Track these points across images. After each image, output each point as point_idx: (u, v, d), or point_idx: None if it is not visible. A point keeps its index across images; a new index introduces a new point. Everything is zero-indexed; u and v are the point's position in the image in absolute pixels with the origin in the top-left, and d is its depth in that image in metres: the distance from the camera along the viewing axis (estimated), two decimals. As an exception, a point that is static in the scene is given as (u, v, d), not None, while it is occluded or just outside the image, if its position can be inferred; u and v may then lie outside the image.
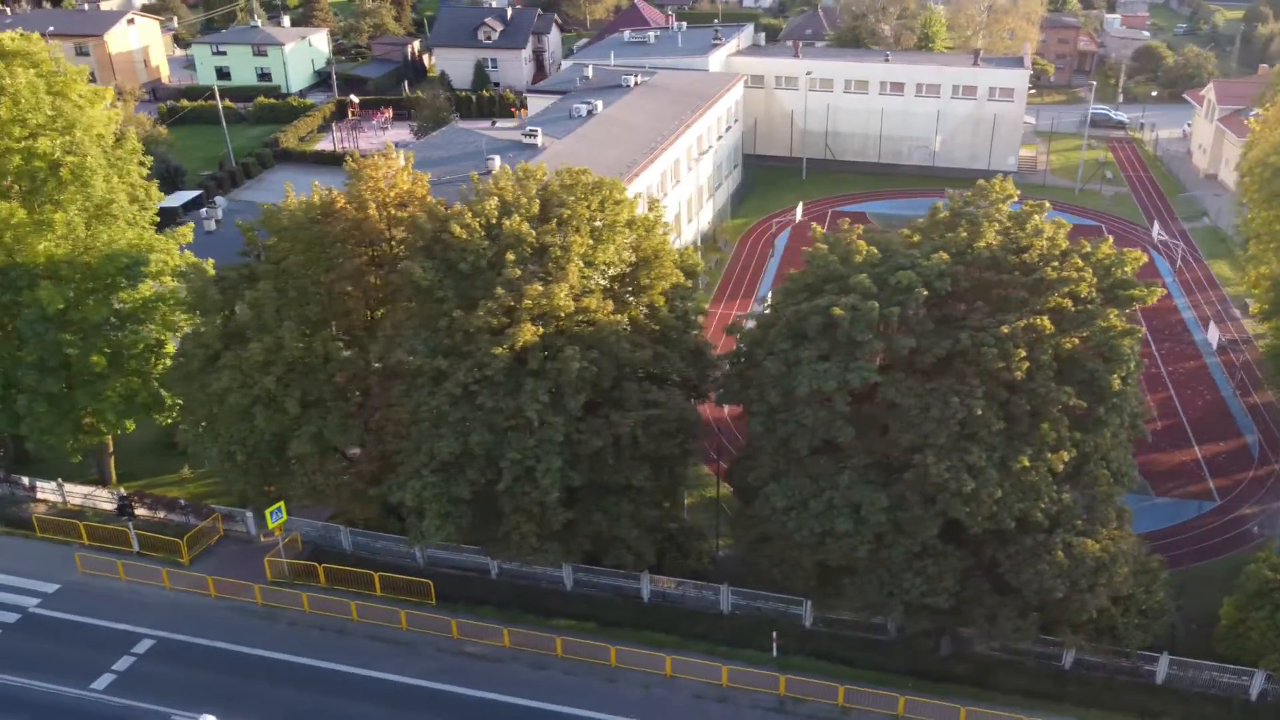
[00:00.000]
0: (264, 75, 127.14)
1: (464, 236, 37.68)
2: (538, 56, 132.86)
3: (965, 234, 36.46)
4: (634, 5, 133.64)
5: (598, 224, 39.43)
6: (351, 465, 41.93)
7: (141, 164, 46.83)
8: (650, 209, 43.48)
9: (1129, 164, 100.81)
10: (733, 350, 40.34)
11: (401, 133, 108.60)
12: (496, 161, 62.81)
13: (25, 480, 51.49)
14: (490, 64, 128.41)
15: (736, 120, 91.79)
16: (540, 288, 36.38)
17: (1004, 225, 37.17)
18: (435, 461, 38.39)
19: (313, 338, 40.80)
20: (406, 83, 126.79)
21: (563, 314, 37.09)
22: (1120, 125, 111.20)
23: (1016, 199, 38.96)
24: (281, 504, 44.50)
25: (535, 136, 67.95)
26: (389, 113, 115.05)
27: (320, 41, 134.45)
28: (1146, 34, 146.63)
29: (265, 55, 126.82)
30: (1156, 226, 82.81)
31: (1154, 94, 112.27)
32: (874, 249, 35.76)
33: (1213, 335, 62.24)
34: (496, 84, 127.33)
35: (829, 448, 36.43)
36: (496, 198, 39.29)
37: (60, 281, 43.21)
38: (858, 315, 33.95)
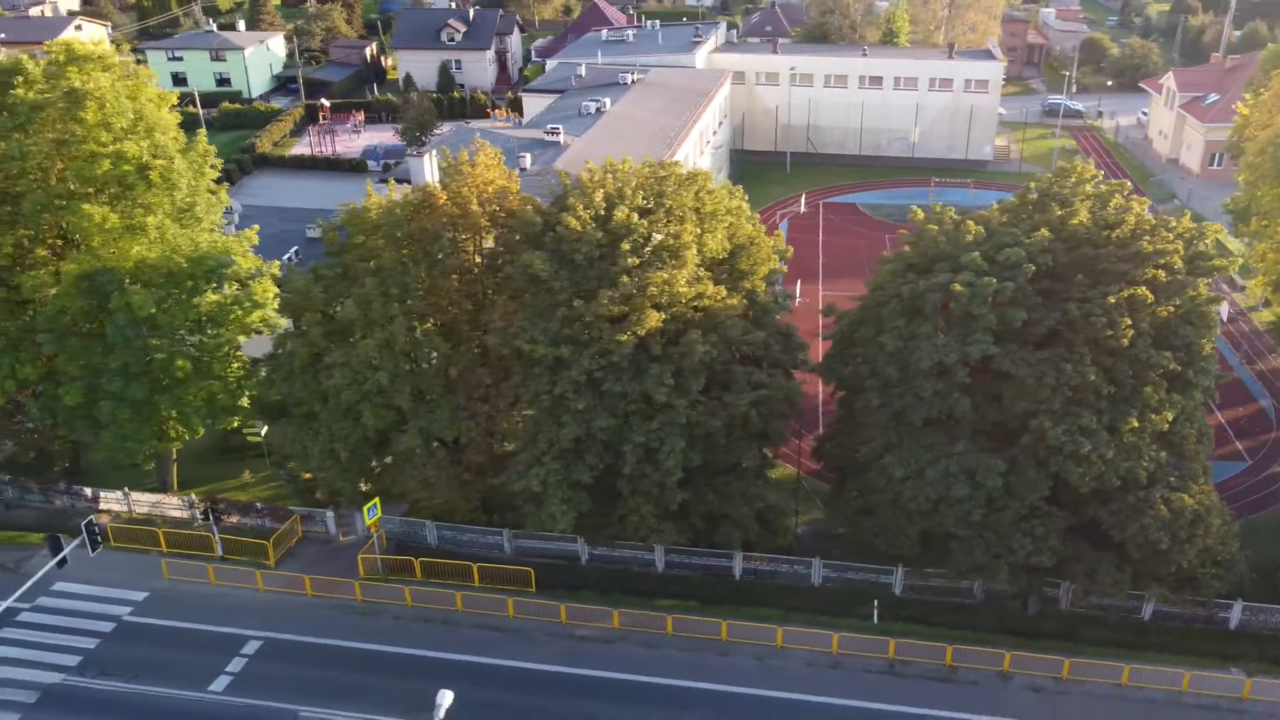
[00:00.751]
0: (223, 80, 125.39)
1: (579, 228, 38.94)
2: (500, 57, 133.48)
3: (1060, 212, 38.93)
4: (595, 5, 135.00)
5: (701, 212, 40.97)
6: (459, 457, 42.75)
7: (213, 167, 46.94)
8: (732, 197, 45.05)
9: (1093, 151, 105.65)
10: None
11: (384, 134, 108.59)
12: (528, 159, 63.94)
13: (87, 491, 51.05)
14: (455, 65, 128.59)
15: (726, 116, 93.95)
16: (665, 275, 37.85)
17: (1090, 204, 39.75)
18: (555, 448, 39.57)
19: (417, 332, 41.56)
20: (375, 85, 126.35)
21: (683, 300, 38.60)
22: (1077, 114, 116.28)
23: (1099, 179, 41.51)
24: (377, 500, 45.12)
25: (558, 134, 69.04)
26: (360, 116, 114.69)
27: (278, 45, 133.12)
28: (1085, 28, 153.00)
29: (224, 60, 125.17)
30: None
31: (1109, 84, 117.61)
32: (981, 228, 38.01)
33: (1223, 310, 66.22)
34: (461, 85, 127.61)
35: (939, 419, 38.54)
36: (602, 190, 40.59)
37: (147, 285, 43.20)
38: (975, 291, 36.15)
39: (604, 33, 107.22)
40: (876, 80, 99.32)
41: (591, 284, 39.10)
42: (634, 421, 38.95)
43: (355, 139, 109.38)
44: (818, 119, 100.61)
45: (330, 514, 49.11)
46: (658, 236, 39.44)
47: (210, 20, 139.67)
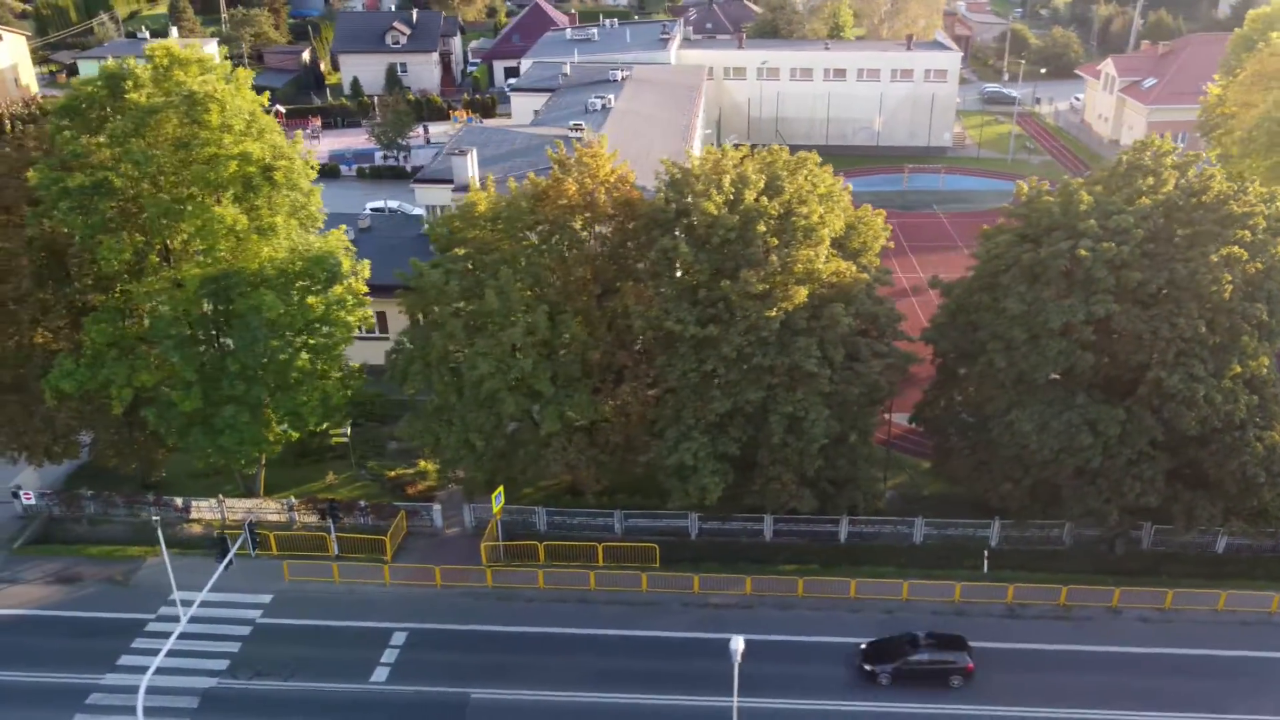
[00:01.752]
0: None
1: (715, 213, 41.16)
2: (444, 59, 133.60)
3: (1151, 181, 42.87)
4: (537, 5, 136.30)
5: (817, 193, 43.63)
6: (595, 439, 44.37)
7: (312, 168, 47.41)
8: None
9: (1038, 135, 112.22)
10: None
11: (346, 139, 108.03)
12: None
13: (178, 501, 50.76)
14: (401, 68, 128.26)
15: (704, 110, 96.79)
16: (809, 253, 40.40)
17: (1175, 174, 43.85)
18: (702, 423, 41.71)
19: (554, 319, 43.10)
20: (322, 91, 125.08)
21: (824, 276, 41.22)
22: (1013, 101, 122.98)
23: (1179, 151, 45.58)
24: (501, 489, 46.38)
25: (581, 130, 70.72)
26: (318, 121, 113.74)
27: (211, 52, 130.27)
28: (1003, 20, 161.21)
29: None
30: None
31: (1043, 71, 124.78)
32: (1091, 199, 41.64)
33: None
34: (408, 88, 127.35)
35: (1059, 376, 42.04)
36: (729, 176, 42.89)
37: (269, 287, 43.56)
38: (1097, 255, 39.74)
39: (568, 32, 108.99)
40: (840, 72, 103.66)
41: (730, 265, 41.34)
42: (779, 393, 41.36)
43: (317, 144, 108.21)
44: (785, 111, 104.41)
45: (437, 508, 50.06)
46: (792, 218, 41.84)
47: (144, 29, 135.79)
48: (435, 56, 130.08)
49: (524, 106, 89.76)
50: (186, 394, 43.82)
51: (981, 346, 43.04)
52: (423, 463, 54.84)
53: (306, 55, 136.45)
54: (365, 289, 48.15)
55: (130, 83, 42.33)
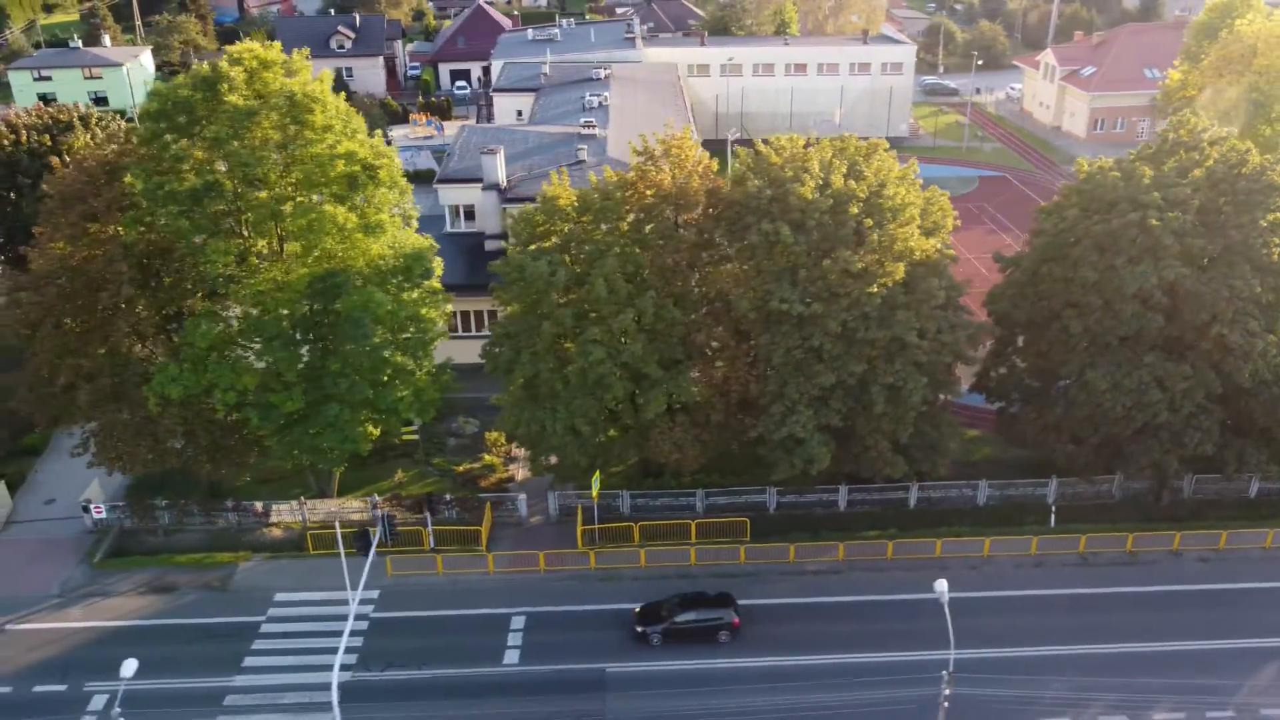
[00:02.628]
0: (99, 99, 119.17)
1: (810, 197, 43.72)
2: (389, 63, 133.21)
3: (1195, 156, 46.97)
4: (480, 8, 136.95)
5: (896, 176, 46.55)
6: (697, 418, 46.39)
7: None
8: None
9: (982, 124, 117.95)
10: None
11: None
12: (585, 151, 67.39)
13: (258, 505, 50.98)
14: (347, 73, 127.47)
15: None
16: (907, 230, 43.30)
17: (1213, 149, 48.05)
18: (806, 397, 44.24)
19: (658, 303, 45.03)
20: None
21: (916, 253, 44.17)
22: (954, 92, 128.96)
23: (1210, 127, 49.78)
24: (598, 474, 48.07)
25: (593, 128, 72.53)
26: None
27: (147, 60, 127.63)
28: (925, 15, 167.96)
29: (100, 78, 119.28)
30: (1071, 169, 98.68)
31: (980, 63, 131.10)
32: (1152, 173, 45.50)
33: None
34: (354, 93, 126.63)
35: (1128, 338, 45.76)
36: (815, 161, 45.50)
37: (372, 284, 44.46)
38: (1165, 224, 43.58)
39: (529, 33, 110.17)
40: (801, 67, 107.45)
41: (825, 245, 43.95)
42: (879, 365, 44.15)
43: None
44: (749, 106, 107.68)
45: (522, 497, 51.44)
46: (878, 199, 44.62)
47: (75, 38, 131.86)
48: (381, 61, 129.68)
49: (507, 107, 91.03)
50: (288, 395, 44.38)
51: (1054, 314, 46.53)
52: (487, 456, 56.08)
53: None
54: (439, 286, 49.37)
55: (226, 86, 42.75)
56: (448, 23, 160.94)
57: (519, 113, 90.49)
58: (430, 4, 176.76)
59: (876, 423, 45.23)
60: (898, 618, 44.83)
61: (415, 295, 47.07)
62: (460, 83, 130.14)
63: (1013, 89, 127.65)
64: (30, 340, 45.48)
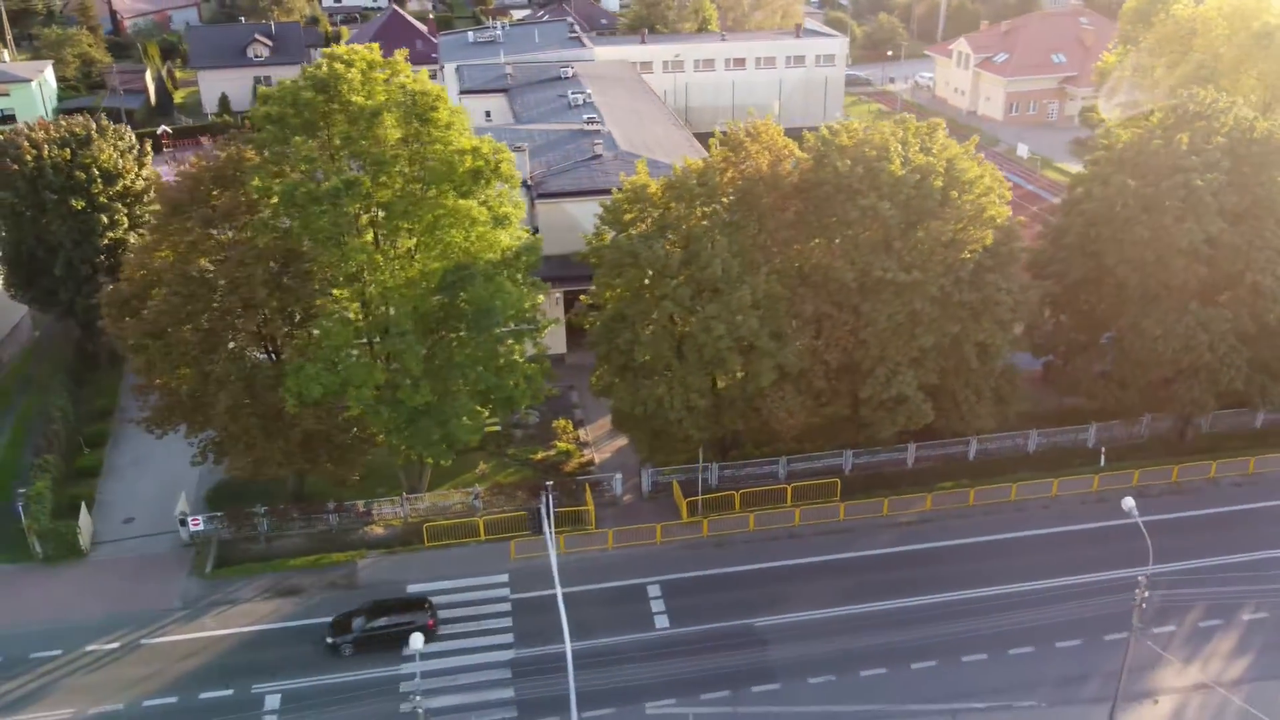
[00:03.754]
0: (5, 117, 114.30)
1: (900, 173, 47.75)
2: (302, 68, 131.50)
3: (1210, 124, 52.97)
4: (395, 13, 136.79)
5: (960, 152, 51.06)
6: (800, 385, 49.75)
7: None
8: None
9: (902, 109, 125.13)
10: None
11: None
12: (600, 145, 70.12)
13: (360, 505, 51.77)
14: (266, 82, 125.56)
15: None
16: (991, 199, 47.86)
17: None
18: (906, 358, 48.30)
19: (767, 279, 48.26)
20: (227, 110, 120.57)
21: (999, 220, 48.77)
22: (866, 82, 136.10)
23: (1218, 99, 55.94)
24: (700, 451, 50.99)
25: (596, 124, 75.04)
26: (209, 140, 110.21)
27: (50, 76, 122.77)
28: (820, 9, 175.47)
29: (8, 94, 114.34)
30: (1023, 147, 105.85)
31: (890, 53, 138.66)
32: (1186, 138, 51.24)
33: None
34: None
35: (1173, 287, 51.45)
36: (893, 142, 49.56)
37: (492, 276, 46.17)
38: (1207, 185, 49.38)
39: (469, 35, 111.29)
40: (740, 61, 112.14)
41: (913, 217, 48.06)
42: (968, 324, 48.55)
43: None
44: (692, 100, 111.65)
45: (618, 477, 53.83)
46: (954, 172, 48.98)
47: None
48: (300, 69, 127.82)
49: (474, 108, 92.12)
50: (415, 389, 45.68)
51: (1108, 270, 51.86)
52: (558, 444, 58.11)
53: (150, 75, 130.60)
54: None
55: (345, 86, 43.85)
56: (346, 31, 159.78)
57: (487, 114, 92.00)
58: (323, 10, 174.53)
59: (968, 378, 49.62)
60: (1000, 556, 49.29)
61: (525, 284, 48.93)
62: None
63: (921, 77, 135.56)
64: (143, 350, 45.32)
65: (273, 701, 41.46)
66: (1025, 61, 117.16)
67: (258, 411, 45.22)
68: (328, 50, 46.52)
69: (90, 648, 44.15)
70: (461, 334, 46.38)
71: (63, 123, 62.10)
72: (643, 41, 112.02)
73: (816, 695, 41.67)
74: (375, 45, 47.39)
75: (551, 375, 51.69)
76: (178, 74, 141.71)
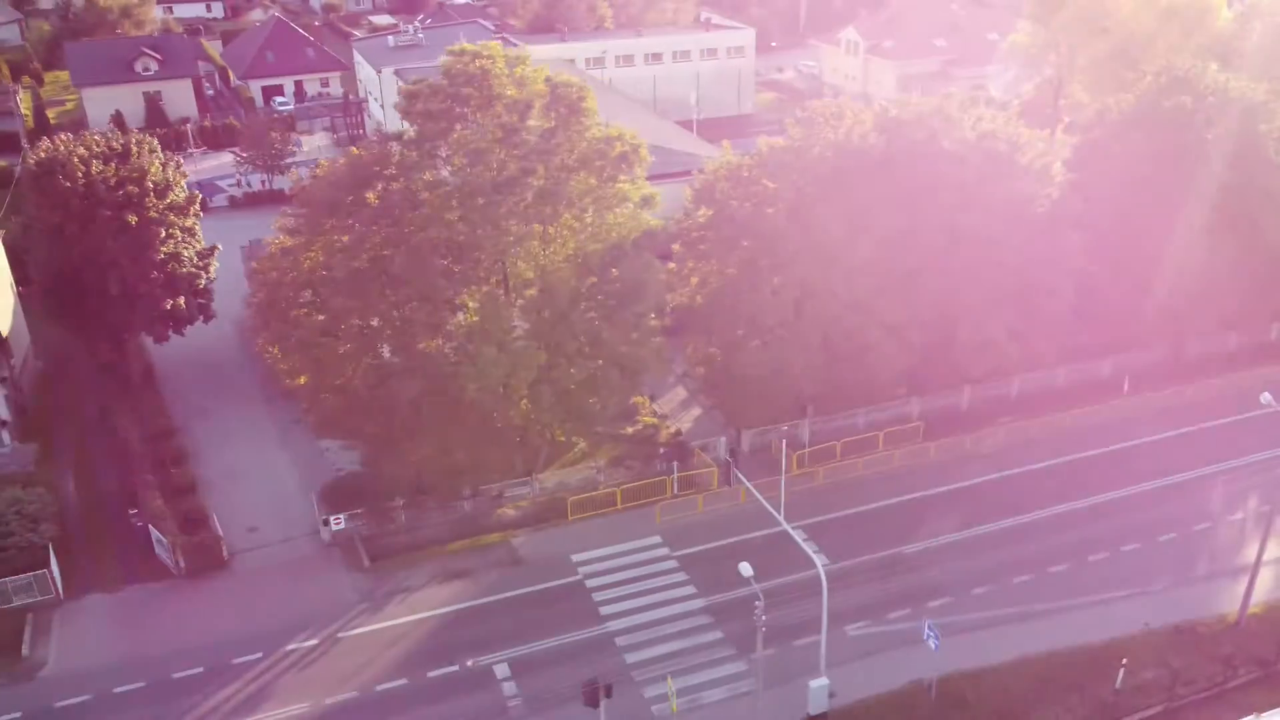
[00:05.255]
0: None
1: (969, 138, 54.14)
2: (196, 83, 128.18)
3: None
4: (280, 21, 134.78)
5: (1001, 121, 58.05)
6: (899, 337, 55.34)
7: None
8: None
9: (798, 95, 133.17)
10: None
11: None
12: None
13: (493, 488, 53.91)
14: (158, 97, 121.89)
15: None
16: (1046, 158, 55.07)
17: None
18: (989, 304, 54.83)
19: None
20: (123, 128, 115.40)
21: (1056, 175, 55.97)
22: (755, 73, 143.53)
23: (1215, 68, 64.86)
24: (809, 406, 55.93)
25: (595, 116, 78.46)
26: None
27: None
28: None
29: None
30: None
31: (774, 44, 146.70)
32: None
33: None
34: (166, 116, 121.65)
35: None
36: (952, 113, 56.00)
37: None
38: (1215, 137, 58.08)
39: (390, 40, 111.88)
40: (657, 56, 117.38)
41: (986, 177, 54.64)
42: (1043, 271, 55.46)
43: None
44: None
45: (722, 440, 58.02)
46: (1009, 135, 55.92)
47: None
48: (190, 83, 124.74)
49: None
50: (572, 367, 48.68)
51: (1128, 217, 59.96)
52: (641, 418, 61.65)
53: (20, 95, 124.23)
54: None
55: (497, 81, 46.47)
56: (209, 46, 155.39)
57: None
58: (176, 19, 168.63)
59: (1038, 320, 56.50)
60: (1089, 471, 56.46)
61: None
62: (280, 98, 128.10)
63: (804, 66, 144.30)
64: (312, 349, 46.37)
65: (501, 670, 43.70)
66: (911, 46, 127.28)
67: (438, 401, 47.00)
68: (458, 47, 48.73)
69: (290, 647, 45.00)
70: (609, 311, 49.54)
71: (98, 137, 60.93)
72: (563, 40, 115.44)
73: (984, 602, 47.27)
74: (495, 44, 49.85)
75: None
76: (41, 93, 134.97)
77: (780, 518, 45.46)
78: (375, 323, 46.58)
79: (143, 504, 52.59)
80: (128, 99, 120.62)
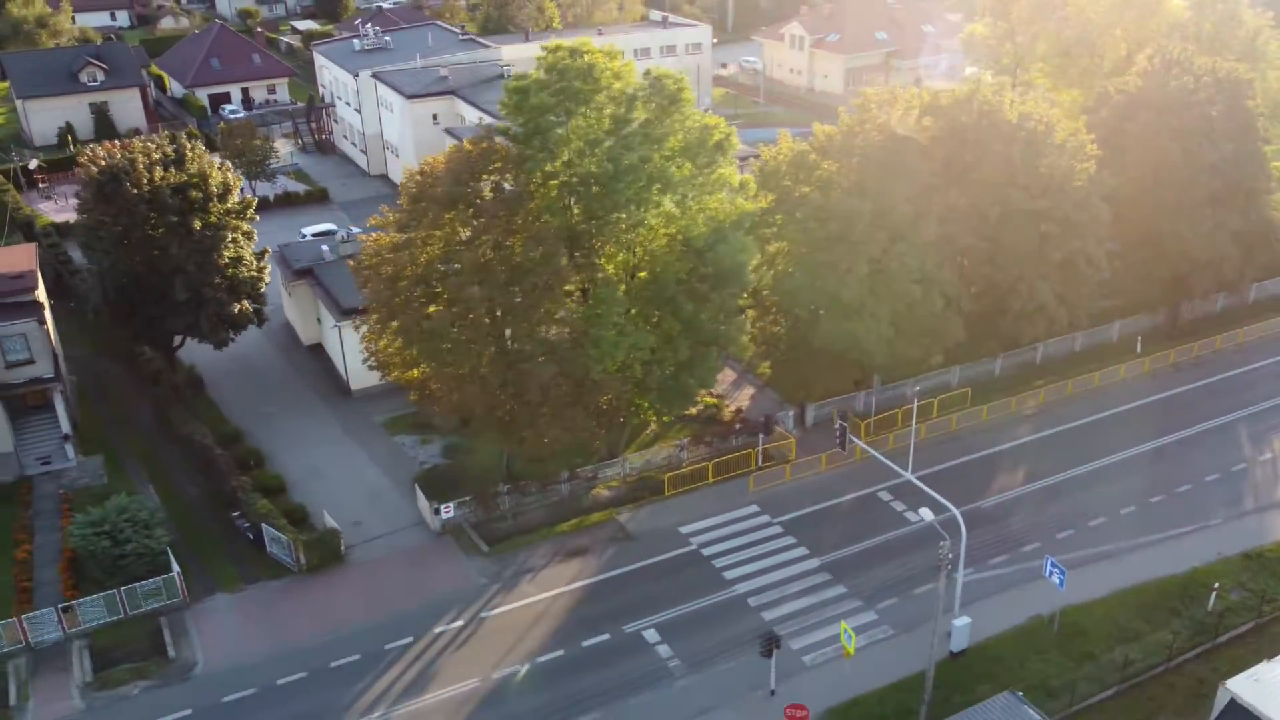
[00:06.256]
0: None
1: (1014, 119, 58.69)
2: (143, 93, 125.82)
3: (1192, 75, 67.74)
4: (223, 28, 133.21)
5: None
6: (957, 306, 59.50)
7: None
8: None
9: (746, 90, 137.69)
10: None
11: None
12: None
13: (589, 469, 56.12)
14: (104, 107, 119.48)
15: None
16: (1078, 138, 59.99)
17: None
18: (1039, 272, 59.50)
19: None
20: (72, 139, 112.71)
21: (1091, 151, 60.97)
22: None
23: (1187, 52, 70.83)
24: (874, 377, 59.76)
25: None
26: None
27: None
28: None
29: None
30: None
31: (715, 40, 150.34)
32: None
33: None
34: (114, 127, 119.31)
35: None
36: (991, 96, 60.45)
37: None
38: (1219, 114, 63.92)
39: (355, 43, 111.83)
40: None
41: (1031, 154, 59.31)
42: (1086, 241, 60.39)
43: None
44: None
45: (791, 414, 61.34)
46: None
47: None
48: (138, 92, 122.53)
49: (421, 113, 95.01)
50: (673, 347, 51.43)
51: (1149, 192, 65.37)
52: (703, 398, 64.55)
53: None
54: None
55: (606, 74, 48.86)
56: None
57: (434, 116, 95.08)
58: (92, 27, 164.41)
59: (1077, 286, 61.38)
60: (1128, 423, 61.62)
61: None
62: (229, 106, 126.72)
63: (745, 61, 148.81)
64: (439, 339, 47.91)
65: (651, 635, 46.15)
66: (855, 39, 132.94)
67: (563, 384, 49.08)
68: (553, 44, 50.74)
69: (438, 630, 46.63)
70: (704, 293, 52.32)
71: (149, 143, 60.94)
72: (527, 40, 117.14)
73: (1070, 545, 51.43)
74: (586, 40, 52.07)
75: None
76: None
77: (906, 472, 49.15)
78: (499, 312, 48.37)
79: (244, 506, 53.25)
80: (74, 110, 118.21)
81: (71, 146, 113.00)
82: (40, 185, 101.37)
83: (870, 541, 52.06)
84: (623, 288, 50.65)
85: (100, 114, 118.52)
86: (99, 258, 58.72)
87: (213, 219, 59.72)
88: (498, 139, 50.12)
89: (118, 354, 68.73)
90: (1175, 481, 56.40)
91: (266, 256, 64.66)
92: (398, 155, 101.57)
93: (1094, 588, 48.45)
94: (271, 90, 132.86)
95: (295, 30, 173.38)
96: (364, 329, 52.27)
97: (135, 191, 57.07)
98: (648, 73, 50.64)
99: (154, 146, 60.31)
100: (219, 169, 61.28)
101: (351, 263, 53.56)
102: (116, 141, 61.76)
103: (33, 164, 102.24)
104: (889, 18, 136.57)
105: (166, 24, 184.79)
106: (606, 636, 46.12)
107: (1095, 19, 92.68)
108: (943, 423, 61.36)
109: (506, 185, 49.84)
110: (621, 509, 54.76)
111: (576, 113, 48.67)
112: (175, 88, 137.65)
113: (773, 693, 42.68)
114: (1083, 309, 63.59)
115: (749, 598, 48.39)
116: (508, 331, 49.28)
